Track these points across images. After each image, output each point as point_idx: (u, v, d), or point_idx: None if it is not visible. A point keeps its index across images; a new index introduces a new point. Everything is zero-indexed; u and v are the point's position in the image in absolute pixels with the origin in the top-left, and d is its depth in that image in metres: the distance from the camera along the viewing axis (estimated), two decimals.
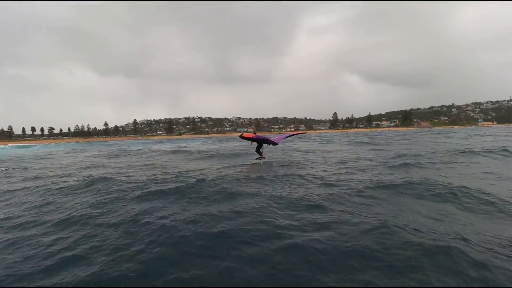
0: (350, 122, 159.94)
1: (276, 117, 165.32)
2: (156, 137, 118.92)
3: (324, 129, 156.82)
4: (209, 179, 6.45)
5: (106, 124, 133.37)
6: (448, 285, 2.45)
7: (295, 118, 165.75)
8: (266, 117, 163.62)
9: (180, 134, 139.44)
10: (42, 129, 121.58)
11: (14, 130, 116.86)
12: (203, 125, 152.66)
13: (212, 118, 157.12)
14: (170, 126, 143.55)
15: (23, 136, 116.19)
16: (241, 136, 11.38)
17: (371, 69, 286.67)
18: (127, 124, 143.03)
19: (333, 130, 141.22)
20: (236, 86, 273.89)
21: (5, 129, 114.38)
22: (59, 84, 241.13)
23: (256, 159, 11.73)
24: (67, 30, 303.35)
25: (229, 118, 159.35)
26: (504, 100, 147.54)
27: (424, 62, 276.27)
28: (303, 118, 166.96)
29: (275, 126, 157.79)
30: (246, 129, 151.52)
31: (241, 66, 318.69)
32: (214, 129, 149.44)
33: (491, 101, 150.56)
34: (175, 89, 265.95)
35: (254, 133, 12.45)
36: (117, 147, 32.92)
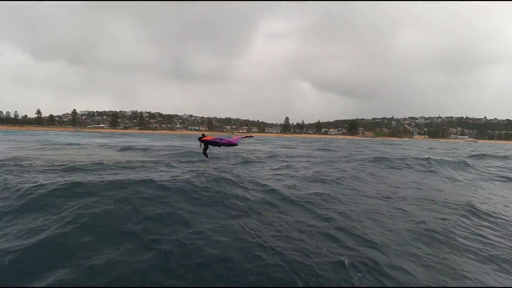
0: (301, 128, 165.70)
1: (229, 118, 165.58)
2: (97, 130, 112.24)
3: (275, 132, 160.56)
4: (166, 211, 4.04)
5: (39, 112, 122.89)
6: None
7: (247, 120, 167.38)
8: (219, 117, 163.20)
9: (125, 128, 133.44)
10: None
11: None
12: (152, 121, 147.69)
13: (162, 114, 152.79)
14: (114, 119, 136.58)
15: None
16: (200, 139, 10.47)
17: (323, 78, 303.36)
18: (65, 114, 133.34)
19: (285, 134, 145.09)
20: (190, 83, 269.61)
21: None
22: None
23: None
24: None
25: (180, 115, 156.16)
26: (435, 117, 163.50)
27: (370, 77, 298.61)
28: (256, 120, 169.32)
29: (227, 127, 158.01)
30: (197, 128, 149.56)
31: (196, 64, 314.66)
32: (163, 125, 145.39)
33: (424, 117, 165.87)
34: (123, 81, 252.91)
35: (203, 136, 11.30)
36: (40, 138, 28.70)
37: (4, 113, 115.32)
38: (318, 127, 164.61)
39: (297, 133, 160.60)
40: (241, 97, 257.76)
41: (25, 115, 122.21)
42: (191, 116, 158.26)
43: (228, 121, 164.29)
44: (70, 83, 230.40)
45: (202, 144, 10.90)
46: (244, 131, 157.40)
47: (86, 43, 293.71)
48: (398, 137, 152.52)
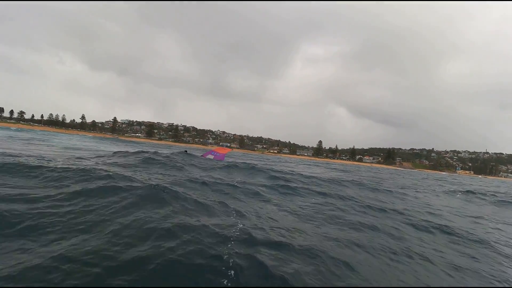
0: (334, 153, 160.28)
1: (261, 137, 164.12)
2: (133, 139, 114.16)
3: (307, 155, 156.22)
4: None
5: (83, 117, 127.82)
6: None
7: (279, 140, 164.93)
8: (251, 135, 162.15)
9: (160, 139, 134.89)
10: (11, 112, 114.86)
11: None
12: (186, 134, 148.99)
13: (196, 128, 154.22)
14: (150, 130, 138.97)
15: None
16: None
17: (359, 104, 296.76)
18: (108, 121, 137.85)
19: (317, 158, 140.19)
20: (226, 101, 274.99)
21: None
22: (46, 70, 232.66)
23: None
24: (67, 19, 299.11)
25: (213, 130, 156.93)
26: (481, 152, 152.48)
27: (409, 106, 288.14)
28: (287, 142, 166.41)
29: (258, 145, 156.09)
30: (228, 144, 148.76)
31: (234, 83, 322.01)
32: (196, 139, 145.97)
33: (469, 151, 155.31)
34: (164, 94, 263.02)
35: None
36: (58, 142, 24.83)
37: (54, 116, 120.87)
38: (353, 154, 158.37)
39: (330, 157, 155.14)
40: (274, 118, 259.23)
41: (73, 119, 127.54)
42: (224, 132, 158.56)
43: (259, 140, 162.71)
44: (116, 93, 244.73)
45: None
46: (275, 151, 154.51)
47: (136, 56, 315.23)
48: (439, 171, 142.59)
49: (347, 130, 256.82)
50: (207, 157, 12.23)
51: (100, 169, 6.49)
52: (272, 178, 10.10)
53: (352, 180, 12.38)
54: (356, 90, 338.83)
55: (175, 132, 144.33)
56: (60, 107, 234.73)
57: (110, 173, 6.05)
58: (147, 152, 12.79)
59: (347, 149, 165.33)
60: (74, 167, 6.67)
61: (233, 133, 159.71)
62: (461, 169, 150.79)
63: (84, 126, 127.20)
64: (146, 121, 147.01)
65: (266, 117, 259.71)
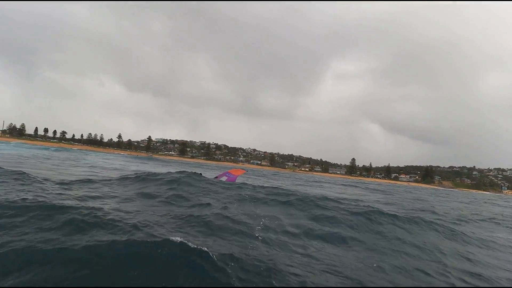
0: (368, 171, 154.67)
1: (292, 155, 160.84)
2: (167, 157, 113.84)
3: (340, 173, 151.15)
4: None
5: (120, 136, 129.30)
6: None
7: (310, 158, 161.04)
8: (282, 153, 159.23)
9: (192, 157, 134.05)
10: (54, 132, 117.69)
11: (27, 129, 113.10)
12: (217, 152, 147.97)
13: (228, 146, 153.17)
14: (183, 148, 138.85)
15: (34, 136, 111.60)
16: None
17: (393, 120, 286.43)
18: (143, 140, 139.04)
19: (350, 176, 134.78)
20: (257, 119, 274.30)
21: (19, 126, 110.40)
22: (87, 93, 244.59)
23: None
24: (106, 44, 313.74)
25: (244, 148, 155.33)
26: None
27: (447, 121, 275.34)
28: (319, 159, 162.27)
29: (289, 163, 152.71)
30: (259, 162, 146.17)
31: (265, 101, 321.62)
32: (228, 157, 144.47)
33: None
34: (197, 113, 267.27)
35: None
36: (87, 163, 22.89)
37: (93, 135, 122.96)
38: (388, 172, 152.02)
39: (364, 176, 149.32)
40: (305, 135, 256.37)
41: (111, 138, 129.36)
42: (254, 150, 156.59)
43: (290, 157, 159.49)
44: (151, 113, 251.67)
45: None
46: (306, 169, 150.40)
47: (170, 78, 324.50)
48: (483, 190, 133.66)
49: (380, 147, 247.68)
50: (221, 179, 12.04)
51: (85, 207, 4.80)
52: (315, 219, 6.85)
53: (410, 217, 7.52)
54: (390, 106, 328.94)
55: (207, 150, 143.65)
56: (99, 126, 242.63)
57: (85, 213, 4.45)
58: (160, 174, 10.72)
59: (381, 167, 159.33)
60: (47, 201, 4.86)
61: (263, 151, 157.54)
62: (507, 189, 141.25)
63: (120, 145, 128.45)
64: (179, 139, 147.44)
65: (296, 134, 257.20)
